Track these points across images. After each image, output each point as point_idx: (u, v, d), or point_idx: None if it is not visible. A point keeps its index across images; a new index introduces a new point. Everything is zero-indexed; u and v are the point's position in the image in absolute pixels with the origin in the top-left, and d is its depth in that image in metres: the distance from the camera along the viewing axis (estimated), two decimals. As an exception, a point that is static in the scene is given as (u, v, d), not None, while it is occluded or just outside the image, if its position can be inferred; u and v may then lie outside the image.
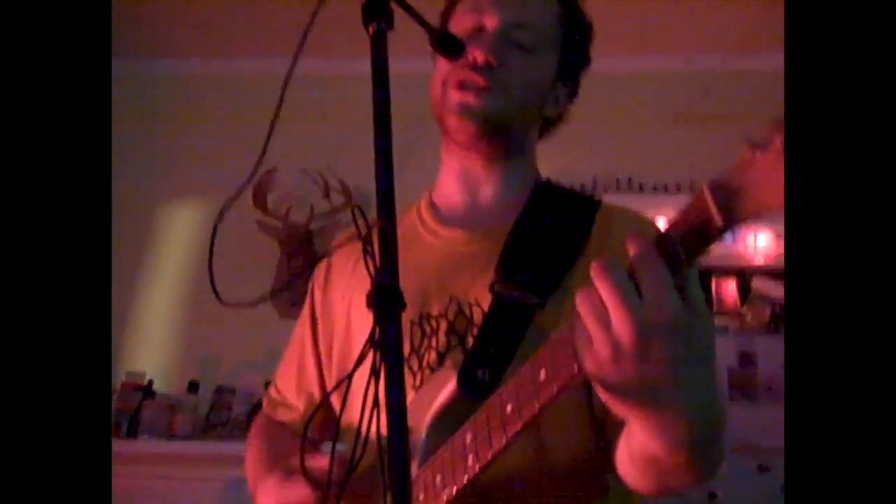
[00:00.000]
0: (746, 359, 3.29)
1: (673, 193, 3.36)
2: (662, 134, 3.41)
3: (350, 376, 0.72)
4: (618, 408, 0.77)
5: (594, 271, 0.72)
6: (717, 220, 0.67)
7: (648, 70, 3.55)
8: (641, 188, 3.43)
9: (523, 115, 1.22)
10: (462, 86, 1.16)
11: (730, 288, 3.47)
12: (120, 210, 3.45)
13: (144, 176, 3.58)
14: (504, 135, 1.20)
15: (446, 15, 1.28)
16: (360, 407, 0.70)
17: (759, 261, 3.35)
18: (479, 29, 1.19)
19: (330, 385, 1.28)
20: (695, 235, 0.70)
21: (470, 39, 1.16)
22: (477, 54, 1.15)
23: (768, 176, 0.65)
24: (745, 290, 3.43)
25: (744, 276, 3.45)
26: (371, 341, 0.70)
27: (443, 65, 1.20)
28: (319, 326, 1.32)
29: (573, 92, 1.29)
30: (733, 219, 0.67)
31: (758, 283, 3.38)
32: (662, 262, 0.70)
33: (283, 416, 1.36)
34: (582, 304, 0.73)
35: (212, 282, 0.81)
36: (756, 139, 0.66)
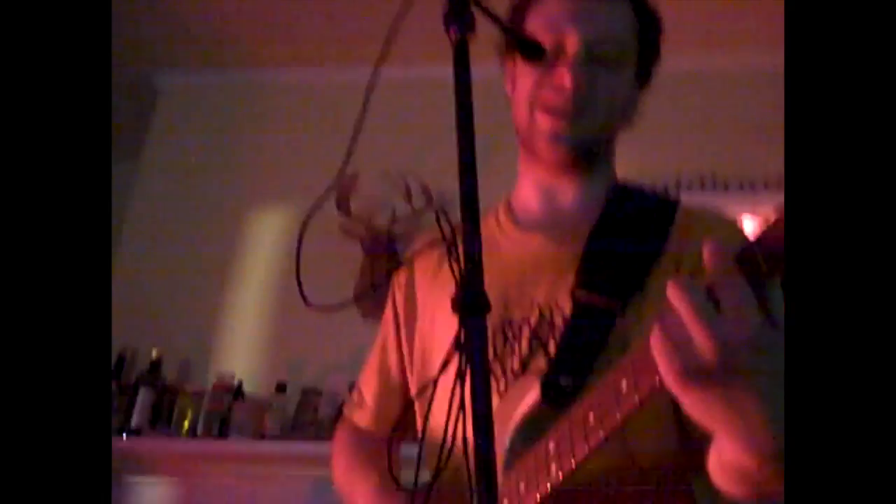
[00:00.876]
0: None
1: (759, 191, 3.26)
2: (746, 130, 3.31)
3: (436, 381, 0.73)
4: (704, 421, 0.76)
5: (671, 293, 0.71)
6: None
7: (731, 67, 3.46)
8: (726, 186, 3.34)
9: (610, 131, 1.21)
10: (551, 111, 1.15)
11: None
12: (210, 216, 3.58)
13: (233, 183, 3.69)
14: (592, 155, 1.20)
15: (514, 25, 1.22)
16: (444, 411, 0.70)
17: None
18: (559, 48, 1.15)
19: (412, 387, 1.29)
20: (778, 250, 0.68)
21: (551, 60, 1.14)
22: (564, 79, 1.13)
23: None
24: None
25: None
26: (457, 344, 0.70)
27: (524, 83, 1.19)
28: (402, 330, 1.33)
29: (646, 85, 1.26)
30: None
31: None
32: (742, 277, 0.69)
33: (360, 418, 1.37)
34: (662, 321, 0.72)
35: (299, 285, 0.83)
36: None
